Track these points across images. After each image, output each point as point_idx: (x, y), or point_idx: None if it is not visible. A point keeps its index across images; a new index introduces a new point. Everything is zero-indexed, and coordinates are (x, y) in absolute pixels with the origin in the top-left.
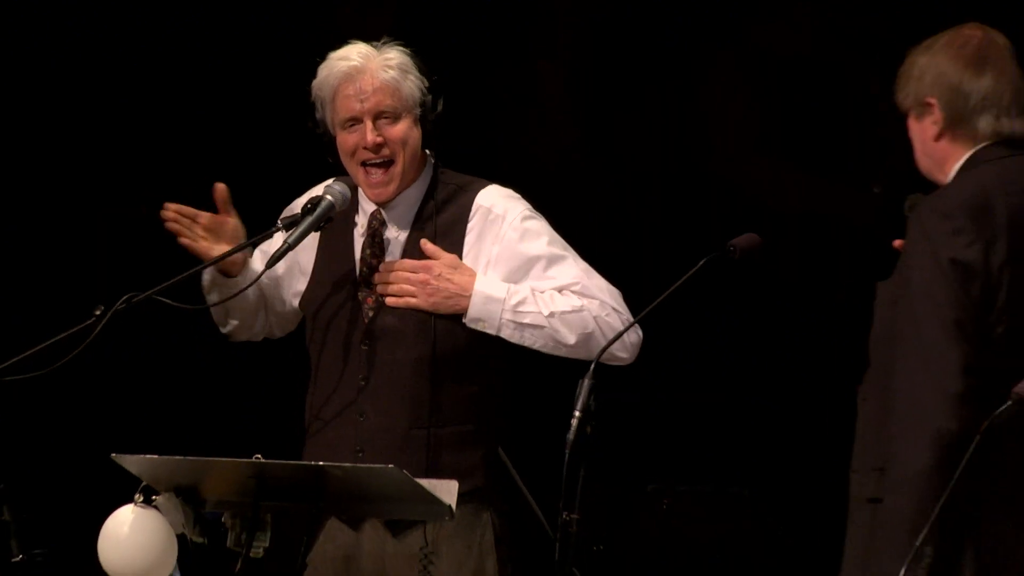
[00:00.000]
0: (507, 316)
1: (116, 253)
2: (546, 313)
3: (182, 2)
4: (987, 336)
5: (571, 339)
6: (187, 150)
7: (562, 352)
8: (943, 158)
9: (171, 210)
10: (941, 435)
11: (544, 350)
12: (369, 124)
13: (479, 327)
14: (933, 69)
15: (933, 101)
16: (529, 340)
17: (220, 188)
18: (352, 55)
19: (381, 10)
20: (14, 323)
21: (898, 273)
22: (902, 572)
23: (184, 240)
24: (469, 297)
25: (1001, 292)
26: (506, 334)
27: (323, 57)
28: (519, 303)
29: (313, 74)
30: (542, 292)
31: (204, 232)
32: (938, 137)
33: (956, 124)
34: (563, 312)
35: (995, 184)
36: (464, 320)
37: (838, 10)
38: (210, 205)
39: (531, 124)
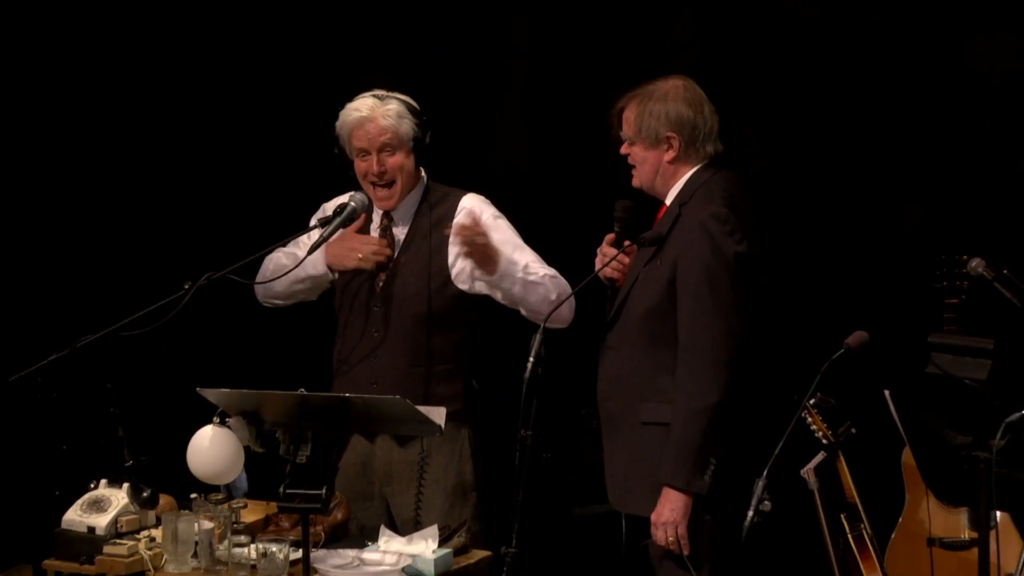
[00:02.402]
0: (518, 275)
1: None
2: (541, 275)
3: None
4: (752, 307)
5: (553, 295)
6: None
7: (539, 309)
8: (672, 176)
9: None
10: (728, 380)
11: (534, 306)
12: (375, 156)
13: (492, 281)
14: (671, 111)
15: (672, 134)
16: (530, 294)
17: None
18: (362, 107)
19: (369, 51)
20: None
21: (673, 262)
22: (706, 476)
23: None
24: (498, 262)
25: (758, 273)
26: (517, 290)
27: (342, 106)
28: (526, 267)
29: (334, 113)
30: (533, 263)
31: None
32: (673, 161)
33: (688, 150)
34: (550, 275)
35: (736, 193)
36: (483, 279)
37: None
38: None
39: (492, 144)
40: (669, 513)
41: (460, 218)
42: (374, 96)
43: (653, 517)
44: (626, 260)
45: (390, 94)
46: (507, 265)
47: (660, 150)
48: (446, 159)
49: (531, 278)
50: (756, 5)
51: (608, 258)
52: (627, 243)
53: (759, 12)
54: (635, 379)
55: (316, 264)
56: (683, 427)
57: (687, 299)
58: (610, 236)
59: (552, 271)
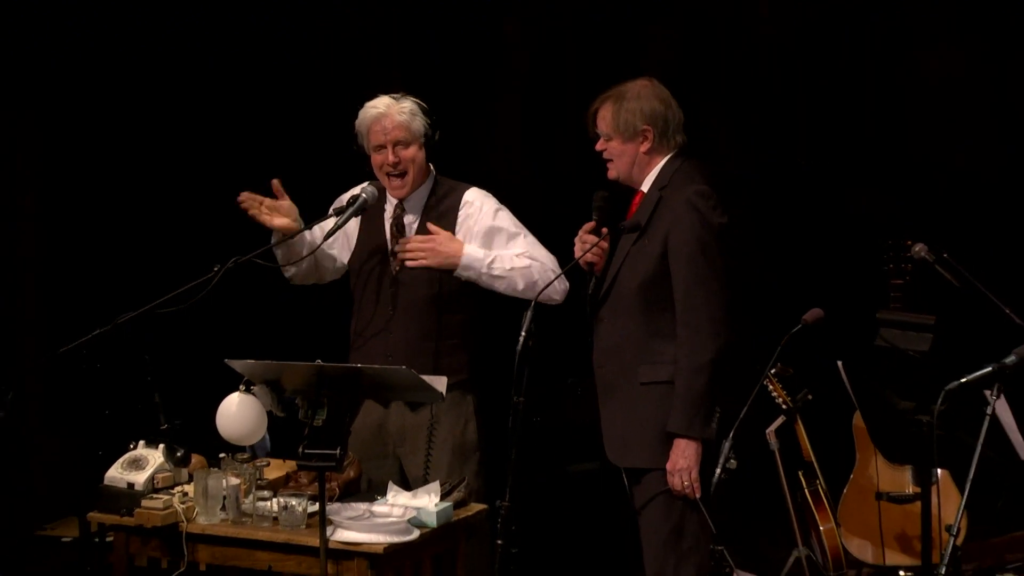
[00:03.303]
0: (484, 270)
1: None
2: (508, 268)
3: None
4: (732, 275)
5: (521, 285)
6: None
7: (515, 294)
8: (647, 165)
9: (243, 196)
10: (725, 335)
11: (504, 292)
12: (390, 149)
13: (464, 276)
14: (645, 107)
15: (648, 127)
16: (496, 285)
17: (275, 182)
18: (379, 105)
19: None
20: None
21: (663, 237)
22: (712, 424)
23: (252, 214)
24: (460, 258)
25: (734, 246)
26: (483, 282)
27: (362, 105)
28: (491, 262)
29: (353, 114)
30: (504, 256)
31: (267, 210)
32: (648, 152)
33: (661, 141)
34: (518, 268)
35: (708, 176)
36: (455, 273)
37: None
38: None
39: (493, 147)
40: (683, 460)
41: (414, 240)
42: (391, 96)
43: (669, 466)
44: (604, 246)
45: (404, 96)
46: (468, 261)
47: (636, 143)
48: (450, 154)
49: (495, 272)
50: (724, 14)
51: (588, 244)
52: (604, 230)
53: (728, 20)
54: (631, 345)
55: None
56: (689, 381)
57: (682, 266)
58: (589, 224)
59: (542, 258)
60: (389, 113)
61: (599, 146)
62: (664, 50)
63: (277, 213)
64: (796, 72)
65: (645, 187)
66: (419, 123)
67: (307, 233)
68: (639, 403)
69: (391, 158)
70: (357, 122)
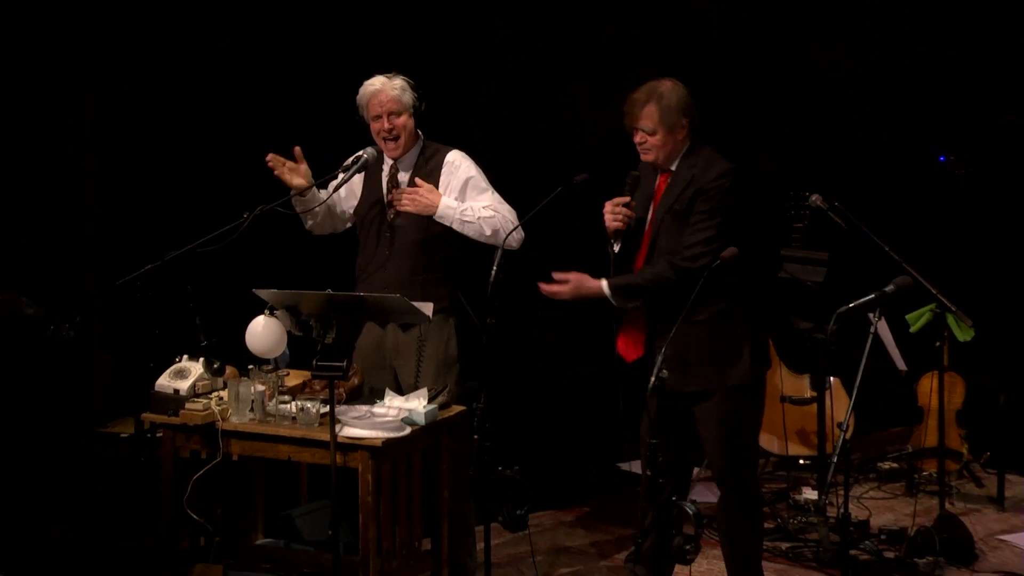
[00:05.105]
0: (457, 216)
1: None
2: (476, 217)
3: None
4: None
5: (487, 231)
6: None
7: (482, 239)
8: (679, 149)
9: (270, 156)
10: (693, 268)
11: (473, 236)
12: (385, 118)
13: (442, 222)
14: (682, 102)
15: (686, 119)
16: (466, 230)
17: (297, 149)
18: (376, 82)
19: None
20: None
21: (692, 198)
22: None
23: (277, 173)
24: (438, 207)
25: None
26: (456, 227)
27: (361, 84)
28: (463, 211)
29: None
30: (474, 207)
31: (287, 170)
32: (684, 138)
33: (691, 129)
34: (485, 217)
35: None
36: (434, 218)
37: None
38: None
39: (476, 112)
40: (585, 289)
41: (408, 188)
42: (385, 76)
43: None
44: (631, 214)
45: (396, 74)
46: (444, 209)
47: (675, 133)
48: (438, 125)
49: (466, 219)
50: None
51: (620, 213)
52: (632, 202)
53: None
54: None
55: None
56: (651, 276)
57: (701, 205)
58: (622, 199)
59: (501, 211)
60: (384, 89)
61: (640, 139)
62: (615, 40)
63: (295, 174)
64: (724, 61)
65: (674, 167)
66: (408, 96)
67: (321, 192)
68: (690, 338)
69: (386, 125)
70: (358, 97)
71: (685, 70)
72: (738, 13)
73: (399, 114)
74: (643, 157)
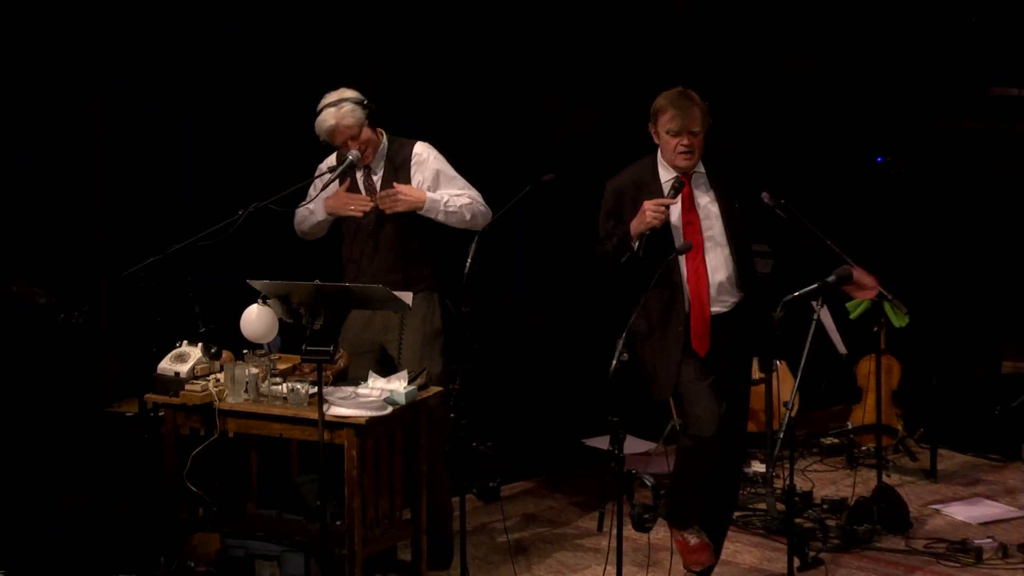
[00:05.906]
0: (441, 208)
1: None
2: (458, 206)
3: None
4: None
5: (468, 217)
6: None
7: (462, 225)
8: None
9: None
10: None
11: (455, 225)
12: (348, 142)
13: (427, 215)
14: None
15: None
16: (450, 220)
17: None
18: (328, 118)
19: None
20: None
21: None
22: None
23: (351, 210)
24: (423, 203)
25: None
26: (440, 218)
27: (354, 83)
28: (446, 202)
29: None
30: (453, 197)
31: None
32: (705, 139)
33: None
34: (464, 205)
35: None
36: (419, 213)
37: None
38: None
39: (452, 108)
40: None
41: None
42: (330, 105)
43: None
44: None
45: (341, 97)
46: (430, 204)
47: (703, 135)
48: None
49: (450, 209)
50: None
51: (661, 212)
52: (670, 202)
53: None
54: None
55: (318, 212)
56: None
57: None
58: (667, 200)
59: (473, 195)
60: (338, 123)
61: (688, 142)
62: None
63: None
64: (691, 62)
65: (697, 168)
66: (359, 112)
67: (315, 212)
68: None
69: (352, 146)
70: (316, 130)
71: (659, 72)
72: (715, 21)
73: (358, 135)
74: (684, 161)
